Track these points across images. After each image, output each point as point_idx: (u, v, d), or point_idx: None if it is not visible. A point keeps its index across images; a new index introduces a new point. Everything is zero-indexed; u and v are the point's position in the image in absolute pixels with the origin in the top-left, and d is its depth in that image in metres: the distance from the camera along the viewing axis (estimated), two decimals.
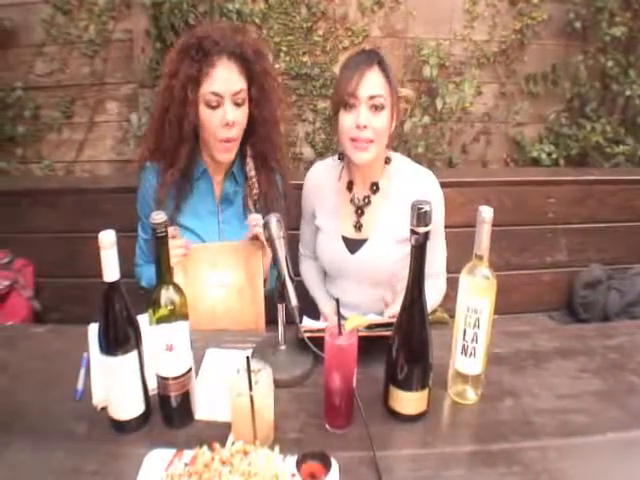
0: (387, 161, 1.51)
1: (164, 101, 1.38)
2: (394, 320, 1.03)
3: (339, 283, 1.58)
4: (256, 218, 1.34)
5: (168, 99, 1.36)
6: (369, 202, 1.51)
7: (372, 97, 1.37)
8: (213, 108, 1.35)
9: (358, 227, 1.52)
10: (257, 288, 1.43)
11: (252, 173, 1.48)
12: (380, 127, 1.38)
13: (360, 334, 0.99)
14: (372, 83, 1.37)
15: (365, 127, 1.37)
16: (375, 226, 1.50)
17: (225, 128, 1.37)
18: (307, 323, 1.34)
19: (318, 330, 1.16)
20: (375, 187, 1.50)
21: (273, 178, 1.53)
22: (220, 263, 1.41)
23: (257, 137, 1.47)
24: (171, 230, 1.27)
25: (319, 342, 1.01)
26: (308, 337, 1.09)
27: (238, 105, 1.38)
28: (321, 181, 1.58)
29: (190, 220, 1.48)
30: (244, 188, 1.51)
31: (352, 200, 1.52)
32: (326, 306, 1.59)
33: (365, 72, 1.37)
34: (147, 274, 1.53)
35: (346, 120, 1.39)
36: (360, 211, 1.51)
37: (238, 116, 1.38)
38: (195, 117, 1.37)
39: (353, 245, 1.51)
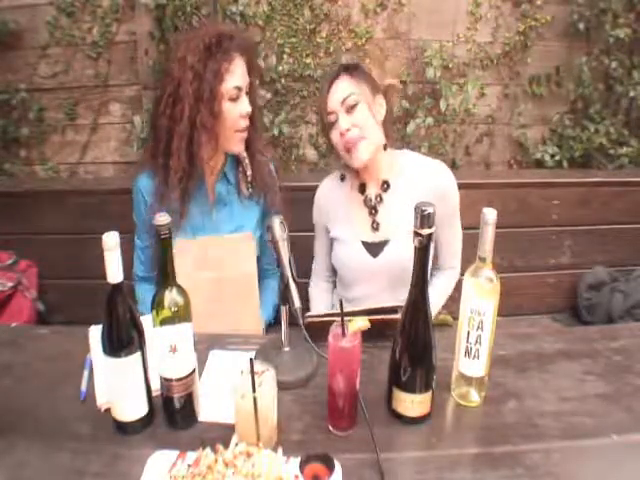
0: (385, 148, 1.52)
1: (191, 106, 1.36)
2: (397, 304, 1.03)
3: (358, 289, 1.56)
4: None
5: (195, 102, 1.36)
6: (381, 200, 1.51)
7: (343, 101, 1.41)
8: (234, 101, 1.41)
9: (375, 227, 1.51)
10: (251, 278, 1.44)
11: (244, 154, 1.52)
12: (360, 120, 1.42)
13: (369, 318, 0.99)
14: (339, 89, 1.42)
15: (348, 130, 1.41)
16: (393, 224, 1.50)
17: (243, 119, 1.43)
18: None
19: (321, 315, 1.16)
20: (386, 185, 1.51)
21: (264, 161, 1.57)
22: (209, 258, 1.42)
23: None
24: None
25: (325, 328, 1.00)
26: (312, 322, 1.11)
27: (247, 95, 1.45)
28: (331, 193, 1.59)
29: (187, 222, 1.47)
30: (237, 181, 1.54)
31: (365, 201, 1.53)
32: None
33: (331, 84, 1.42)
34: (145, 298, 1.53)
35: (333, 136, 1.45)
36: (374, 210, 1.51)
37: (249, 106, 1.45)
38: (220, 112, 1.40)
39: (374, 248, 1.51)
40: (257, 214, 1.57)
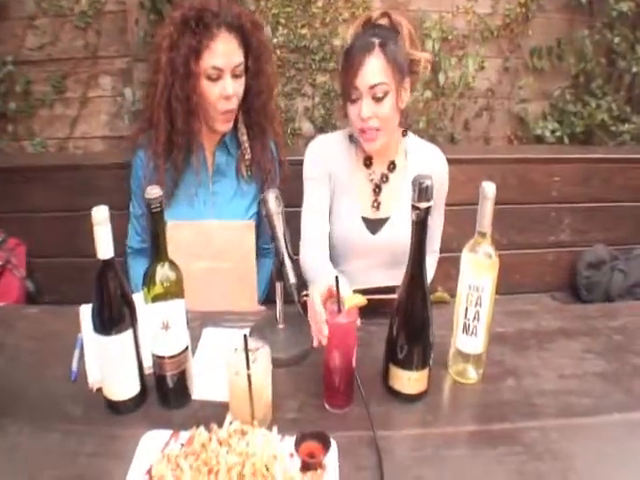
0: (404, 134, 1.49)
1: (167, 77, 1.35)
2: (394, 284, 1.01)
3: (353, 262, 1.51)
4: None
5: (171, 74, 1.34)
6: (387, 180, 1.48)
7: (372, 87, 1.33)
8: (213, 81, 1.36)
9: (376, 206, 1.48)
10: (250, 267, 1.43)
11: (244, 138, 1.49)
12: (385, 114, 1.35)
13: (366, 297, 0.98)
14: (371, 71, 1.32)
15: (369, 118, 1.35)
16: (394, 204, 1.47)
17: (225, 100, 1.38)
18: None
19: None
20: (392, 165, 1.48)
21: (267, 144, 1.53)
22: (212, 241, 1.40)
23: (252, 107, 1.47)
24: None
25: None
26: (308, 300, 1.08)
27: (237, 77, 1.39)
28: (333, 154, 1.49)
29: (184, 191, 1.47)
30: (237, 157, 1.51)
31: (370, 178, 1.48)
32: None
33: (363, 61, 1.32)
34: (136, 274, 1.50)
35: (351, 112, 1.38)
36: (378, 189, 1.48)
37: (237, 88, 1.39)
38: (198, 89, 1.37)
39: (374, 225, 1.47)
40: (254, 191, 1.55)
